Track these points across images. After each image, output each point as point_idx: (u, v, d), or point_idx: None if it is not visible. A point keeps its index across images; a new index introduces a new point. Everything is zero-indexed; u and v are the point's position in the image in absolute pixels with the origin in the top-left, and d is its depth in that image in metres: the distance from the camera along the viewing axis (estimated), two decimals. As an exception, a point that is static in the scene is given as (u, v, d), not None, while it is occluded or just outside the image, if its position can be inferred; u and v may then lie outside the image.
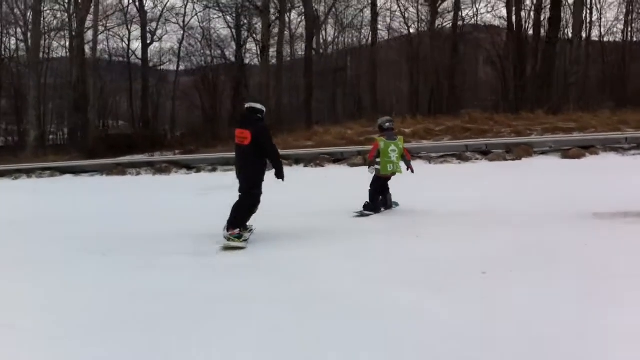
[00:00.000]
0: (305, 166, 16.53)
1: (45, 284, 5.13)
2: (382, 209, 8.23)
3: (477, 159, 15.05)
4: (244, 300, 4.30)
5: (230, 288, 4.67)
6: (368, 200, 8.14)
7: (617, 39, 36.55)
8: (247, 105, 6.81)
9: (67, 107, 30.36)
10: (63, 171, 18.47)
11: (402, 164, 8.26)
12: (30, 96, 25.41)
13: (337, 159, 16.67)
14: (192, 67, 39.76)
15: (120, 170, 17.74)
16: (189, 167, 17.67)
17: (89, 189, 14.64)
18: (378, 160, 8.12)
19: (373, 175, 8.22)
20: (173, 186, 14.25)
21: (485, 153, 15.31)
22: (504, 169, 13.08)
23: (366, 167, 8.50)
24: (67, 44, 33.33)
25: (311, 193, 11.05)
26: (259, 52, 37.59)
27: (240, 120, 6.83)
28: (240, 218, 6.54)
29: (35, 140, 24.76)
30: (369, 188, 8.21)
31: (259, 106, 6.74)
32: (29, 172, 18.84)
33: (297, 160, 16.86)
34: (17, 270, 5.69)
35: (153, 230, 7.56)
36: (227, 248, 6.21)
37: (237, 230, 6.41)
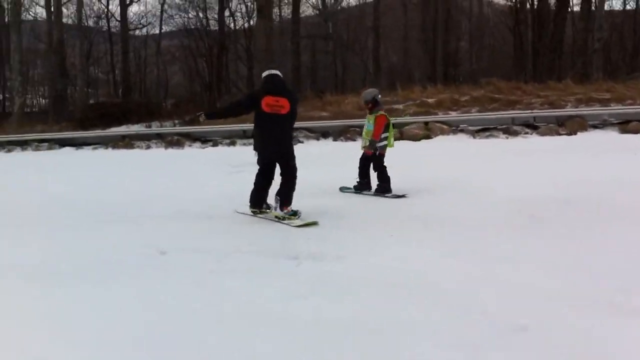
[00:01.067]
0: (335, 140, 15.60)
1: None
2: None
3: (526, 134, 14.27)
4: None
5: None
6: (380, 182, 7.83)
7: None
8: (272, 72, 6.59)
9: (47, 73, 28.61)
10: (62, 143, 17.20)
11: None
12: (12, 59, 23.80)
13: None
14: (174, 30, 38.40)
15: (127, 142, 16.59)
16: (203, 139, 16.57)
17: (106, 164, 13.51)
18: (384, 135, 7.92)
19: (375, 153, 7.86)
20: (197, 162, 13.27)
21: (534, 127, 14.52)
22: (569, 145, 12.24)
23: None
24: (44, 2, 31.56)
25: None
26: (247, 14, 36.49)
27: (272, 87, 6.48)
28: (292, 194, 6.51)
29: (20, 108, 23.25)
30: (379, 169, 7.85)
31: (280, 74, 6.62)
32: (22, 144, 17.55)
33: (324, 134, 15.90)
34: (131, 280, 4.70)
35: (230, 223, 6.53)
36: (300, 225, 6.06)
37: (290, 207, 6.41)
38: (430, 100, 19.77)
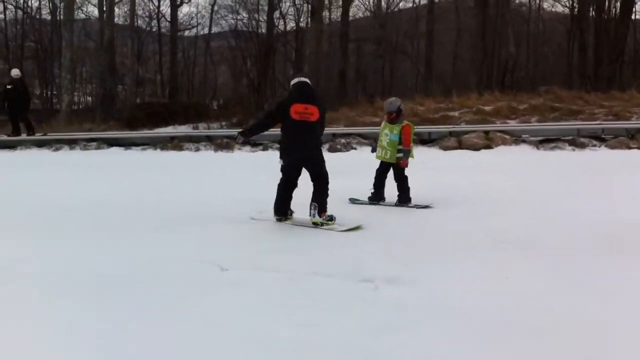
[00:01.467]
0: (390, 146, 15.09)
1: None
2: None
3: (594, 146, 13.55)
4: None
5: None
6: (402, 192, 7.82)
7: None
8: (301, 80, 6.74)
9: (96, 71, 28.81)
10: (110, 143, 17.07)
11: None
12: (63, 57, 23.99)
13: (423, 140, 15.20)
14: (223, 31, 38.46)
15: (176, 144, 16.35)
16: (252, 143, 16.23)
17: (154, 165, 13.25)
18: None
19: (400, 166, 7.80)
20: (247, 166, 12.95)
21: (601, 139, 13.78)
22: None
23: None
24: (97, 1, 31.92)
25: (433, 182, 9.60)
26: (297, 16, 36.26)
27: (301, 95, 6.60)
28: (326, 199, 6.62)
29: (68, 106, 23.40)
30: (401, 179, 7.83)
31: (309, 82, 6.80)
32: (71, 143, 17.45)
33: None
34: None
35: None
36: (345, 230, 6.26)
37: (326, 213, 6.53)
38: (487, 108, 19.14)
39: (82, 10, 32.16)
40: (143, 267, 4.92)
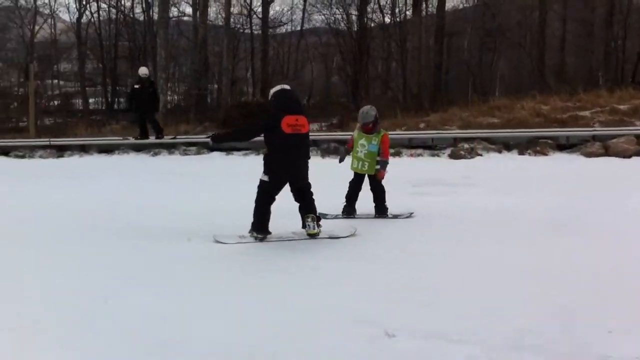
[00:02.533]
0: (521, 153, 13.44)
1: None
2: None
3: None
4: None
5: None
6: (380, 204, 7.79)
7: None
8: (285, 88, 6.50)
9: (190, 71, 28.29)
10: (212, 147, 16.17)
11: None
12: (158, 56, 23.46)
13: (561, 145, 13.46)
14: (313, 27, 37.38)
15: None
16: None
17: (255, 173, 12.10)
18: None
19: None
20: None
21: None
22: None
23: None
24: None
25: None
26: (391, 10, 34.64)
27: (292, 105, 6.39)
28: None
29: (164, 106, 22.80)
30: (380, 189, 7.80)
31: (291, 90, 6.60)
32: (170, 148, 16.72)
33: (506, 146, 13.77)
34: None
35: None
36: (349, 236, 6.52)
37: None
38: (622, 107, 17.05)
39: (176, 7, 31.78)
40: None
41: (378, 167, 7.66)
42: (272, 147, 6.36)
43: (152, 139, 16.82)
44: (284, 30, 38.02)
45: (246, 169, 13.14)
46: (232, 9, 32.00)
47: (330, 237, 6.45)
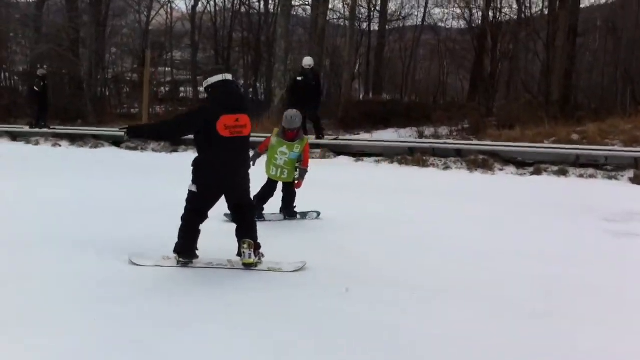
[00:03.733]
0: None
1: None
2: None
3: None
4: None
5: None
6: (290, 207, 7.88)
7: None
8: (226, 79, 5.35)
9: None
10: (337, 151, 14.51)
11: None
12: (277, 47, 22.03)
13: None
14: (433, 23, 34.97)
15: (417, 159, 13.32)
16: (518, 162, 12.75)
17: (402, 189, 10.23)
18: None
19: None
20: (525, 201, 9.52)
21: None
22: None
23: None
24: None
25: None
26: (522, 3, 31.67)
27: (231, 102, 5.30)
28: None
29: (281, 101, 21.36)
30: (292, 194, 7.85)
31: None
32: (291, 148, 15.09)
33: None
34: None
35: None
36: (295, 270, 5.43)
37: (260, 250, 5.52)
38: None
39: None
40: None
41: (296, 174, 7.48)
42: (205, 152, 5.35)
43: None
44: (400, 25, 35.96)
45: (391, 181, 11.31)
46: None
47: (269, 270, 5.46)
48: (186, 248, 5.50)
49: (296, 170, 7.48)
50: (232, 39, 32.28)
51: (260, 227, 5.86)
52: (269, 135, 7.77)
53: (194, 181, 5.42)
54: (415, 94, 29.50)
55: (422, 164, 13.10)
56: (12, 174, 11.10)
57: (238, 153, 5.39)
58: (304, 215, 7.86)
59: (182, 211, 5.55)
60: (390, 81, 34.14)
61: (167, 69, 37.93)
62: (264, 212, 7.63)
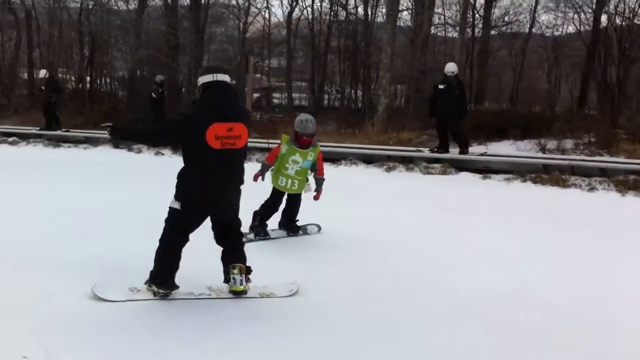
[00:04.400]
0: None
1: None
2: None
3: None
4: None
5: None
6: (292, 222, 7.12)
7: None
8: (219, 79, 4.62)
9: (409, 71, 25.45)
10: (459, 166, 13.19)
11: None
12: (383, 53, 20.93)
13: None
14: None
15: (554, 178, 11.78)
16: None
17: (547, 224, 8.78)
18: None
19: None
20: None
21: None
22: None
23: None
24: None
25: None
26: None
27: (225, 108, 4.57)
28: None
29: (385, 110, 20.23)
30: (296, 209, 7.14)
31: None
32: (406, 162, 13.90)
33: None
34: None
35: None
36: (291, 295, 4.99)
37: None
38: None
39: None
40: None
41: (309, 184, 6.93)
42: (191, 165, 4.64)
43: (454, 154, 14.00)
44: (506, 31, 34.02)
45: (517, 205, 9.88)
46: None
47: (262, 297, 4.93)
48: (165, 277, 4.70)
49: (307, 181, 6.91)
50: (329, 45, 31.44)
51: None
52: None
53: (177, 197, 4.68)
54: (530, 103, 27.53)
55: (562, 183, 11.56)
56: (118, 184, 10.47)
57: (230, 169, 4.66)
58: (304, 229, 7.22)
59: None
60: (491, 90, 32.49)
61: (259, 75, 37.61)
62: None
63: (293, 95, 34.06)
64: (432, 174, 13.07)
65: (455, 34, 30.94)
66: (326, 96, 32.79)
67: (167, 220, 4.75)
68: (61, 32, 31.04)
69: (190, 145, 4.59)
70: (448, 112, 13.41)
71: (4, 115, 25.96)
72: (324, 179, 6.99)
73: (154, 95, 18.49)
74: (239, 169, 4.83)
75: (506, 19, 33.03)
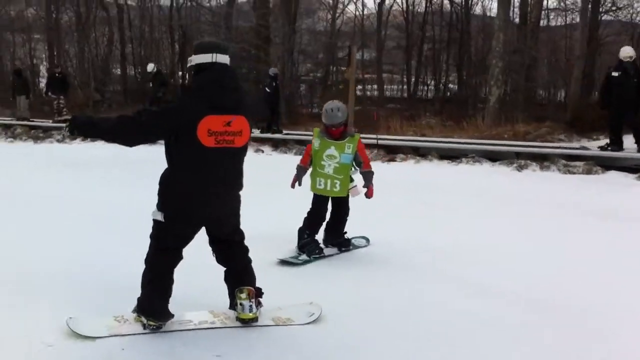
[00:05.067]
0: None
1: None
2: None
3: None
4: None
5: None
6: (341, 235, 5.91)
7: None
8: (218, 61, 3.63)
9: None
10: (604, 164, 11.62)
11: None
12: (494, 41, 19.46)
13: None
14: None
15: None
16: None
17: None
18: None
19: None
20: None
21: None
22: None
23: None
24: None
25: None
26: None
27: (222, 96, 3.59)
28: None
29: (497, 101, 18.74)
30: (345, 216, 5.92)
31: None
32: (541, 160, 12.45)
33: None
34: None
35: None
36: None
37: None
38: None
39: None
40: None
41: (354, 184, 5.80)
42: (175, 165, 3.64)
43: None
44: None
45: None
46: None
47: (276, 325, 3.92)
48: (156, 306, 3.78)
49: (352, 181, 5.79)
50: (425, 34, 30.07)
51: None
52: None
53: (159, 207, 3.74)
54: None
55: None
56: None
57: (227, 169, 3.73)
58: (358, 242, 6.10)
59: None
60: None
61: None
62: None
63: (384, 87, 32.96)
64: (574, 173, 11.58)
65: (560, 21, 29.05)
66: (420, 87, 31.43)
67: (151, 236, 3.84)
68: (152, 27, 31.07)
69: (177, 142, 3.61)
70: (625, 103, 11.82)
71: (98, 111, 25.95)
72: (372, 172, 5.73)
73: (267, 89, 17.31)
74: (237, 173, 3.87)
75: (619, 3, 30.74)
